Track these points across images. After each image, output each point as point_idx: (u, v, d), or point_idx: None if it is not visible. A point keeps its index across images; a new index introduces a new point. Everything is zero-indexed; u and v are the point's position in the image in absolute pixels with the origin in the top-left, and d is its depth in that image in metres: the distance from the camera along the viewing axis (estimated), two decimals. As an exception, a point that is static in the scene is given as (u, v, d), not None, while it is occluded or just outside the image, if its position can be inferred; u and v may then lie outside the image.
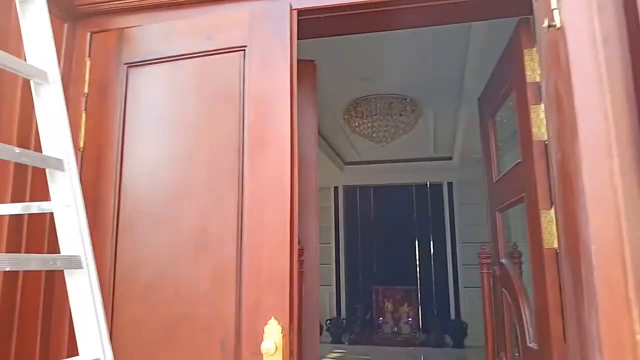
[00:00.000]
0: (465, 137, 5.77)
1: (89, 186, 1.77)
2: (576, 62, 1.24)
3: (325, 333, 7.74)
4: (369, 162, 7.86)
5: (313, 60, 2.33)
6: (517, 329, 2.05)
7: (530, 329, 1.92)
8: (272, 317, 1.51)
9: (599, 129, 1.19)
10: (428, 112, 5.14)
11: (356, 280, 8.59)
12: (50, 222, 1.66)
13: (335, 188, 8.67)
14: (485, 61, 3.46)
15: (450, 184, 8.08)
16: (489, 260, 2.38)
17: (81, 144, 1.83)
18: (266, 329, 1.50)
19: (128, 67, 1.85)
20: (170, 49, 1.81)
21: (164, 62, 1.82)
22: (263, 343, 1.46)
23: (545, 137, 1.68)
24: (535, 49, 1.74)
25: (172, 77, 1.81)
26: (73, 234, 1.11)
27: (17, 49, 1.35)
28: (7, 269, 0.92)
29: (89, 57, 1.90)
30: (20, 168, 1.61)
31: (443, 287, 7.97)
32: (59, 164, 1.12)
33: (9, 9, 1.61)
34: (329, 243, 8.38)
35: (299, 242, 1.74)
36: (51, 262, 1.03)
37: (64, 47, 1.85)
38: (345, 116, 4.96)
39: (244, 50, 1.73)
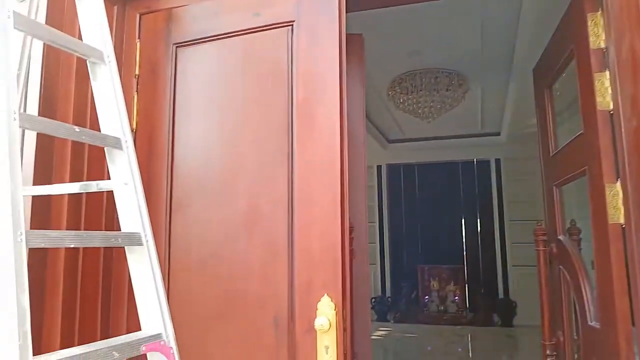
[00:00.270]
0: (514, 112, 5.58)
1: (142, 167, 1.78)
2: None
3: (370, 311, 7.78)
4: (412, 140, 7.74)
5: (360, 34, 2.27)
6: (577, 308, 1.97)
7: (591, 307, 1.84)
8: (325, 294, 1.50)
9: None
10: (476, 87, 4.98)
11: (401, 258, 8.55)
12: (107, 201, 1.70)
13: (379, 167, 8.60)
14: (539, 31, 3.31)
15: (498, 161, 7.86)
16: (545, 238, 2.29)
17: (134, 125, 1.85)
18: (319, 305, 1.50)
19: (177, 47, 1.86)
20: (217, 27, 1.80)
21: (211, 40, 1.81)
22: (317, 319, 1.46)
23: (610, 107, 1.58)
24: (599, 12, 1.63)
25: (220, 55, 1.80)
26: (132, 211, 1.13)
27: (72, 31, 1.37)
28: (72, 246, 0.94)
29: (139, 38, 1.92)
30: (77, 149, 1.65)
31: (491, 265, 7.83)
32: (117, 143, 1.14)
33: (62, -8, 1.64)
34: (373, 222, 8.35)
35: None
36: (112, 239, 1.06)
37: (114, 29, 1.87)
38: (390, 92, 4.87)
39: (292, 25, 1.69)
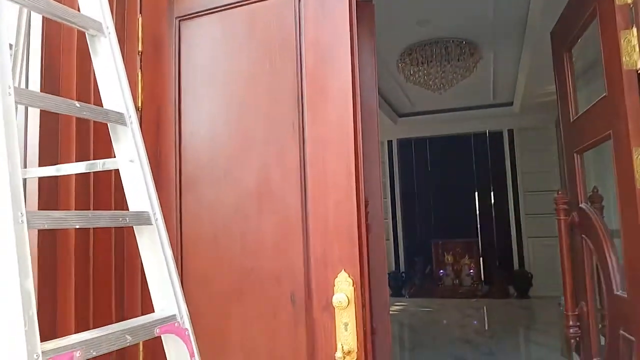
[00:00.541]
0: (527, 80, 5.44)
1: (150, 146, 1.76)
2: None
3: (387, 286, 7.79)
4: (423, 113, 7.62)
5: (371, 1, 2.18)
6: (602, 277, 1.92)
7: (617, 276, 1.78)
8: (342, 270, 1.46)
9: None
10: (488, 55, 4.85)
11: (414, 233, 8.52)
12: (116, 180, 1.67)
13: (389, 142, 8.51)
14: (554, -8, 3.17)
15: (510, 131, 7.73)
16: (566, 206, 2.22)
17: (139, 104, 1.81)
18: (336, 281, 1.46)
19: (180, 20, 1.80)
20: (221, -3, 1.72)
21: (215, 12, 1.74)
22: (335, 296, 1.42)
23: (638, 66, 1.50)
24: (625, -35, 1.54)
25: (225, 27, 1.74)
26: (139, 189, 1.09)
27: (71, 4, 1.31)
28: (77, 226, 0.90)
29: (140, 13, 1.85)
30: (83, 127, 1.61)
31: (505, 237, 7.77)
32: (120, 118, 1.09)
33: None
34: (385, 198, 8.30)
35: (363, 193, 1.66)
36: (120, 219, 1.01)
37: (115, 5, 1.81)
38: (399, 64, 4.76)
39: (298, -8, 1.62)
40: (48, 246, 1.52)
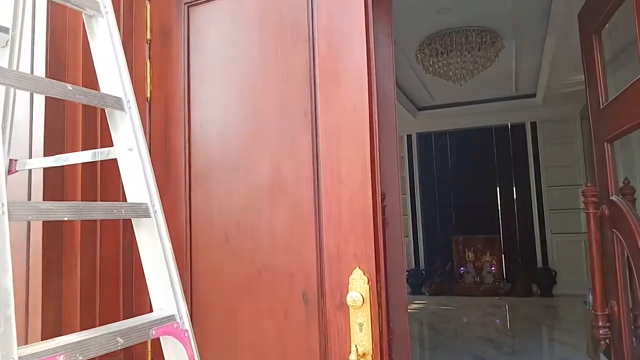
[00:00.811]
0: (551, 70, 5.27)
1: (159, 137, 1.72)
2: None
3: (406, 284, 7.70)
4: (443, 106, 7.47)
5: (386, -17, 2.09)
6: (635, 274, 1.80)
7: (653, 273, 1.67)
8: (357, 267, 1.37)
9: None
10: (510, 44, 4.70)
11: (434, 230, 8.38)
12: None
13: (409, 136, 8.38)
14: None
15: (533, 124, 7.52)
16: (595, 199, 2.10)
17: (148, 94, 1.75)
18: (351, 279, 1.37)
19: (188, 6, 1.73)
20: (229, -20, 1.65)
21: (224, -4, 1.67)
22: (348, 294, 1.33)
23: (677, 45, 1.39)
24: None
25: (234, 12, 1.67)
26: (138, 180, 1.02)
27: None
28: (66, 219, 0.84)
29: (149, 0, 1.79)
30: (89, 115, 1.56)
31: (528, 234, 7.57)
32: (117, 103, 1.02)
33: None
34: (404, 194, 8.17)
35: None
36: (115, 211, 0.94)
37: (122, -8, 1.75)
38: (418, 55, 4.64)
39: (310, -27, 1.53)
40: (53, 239, 1.48)
